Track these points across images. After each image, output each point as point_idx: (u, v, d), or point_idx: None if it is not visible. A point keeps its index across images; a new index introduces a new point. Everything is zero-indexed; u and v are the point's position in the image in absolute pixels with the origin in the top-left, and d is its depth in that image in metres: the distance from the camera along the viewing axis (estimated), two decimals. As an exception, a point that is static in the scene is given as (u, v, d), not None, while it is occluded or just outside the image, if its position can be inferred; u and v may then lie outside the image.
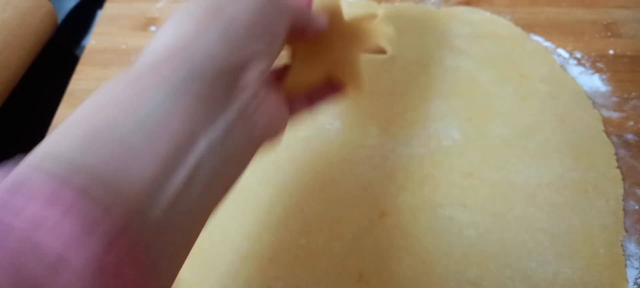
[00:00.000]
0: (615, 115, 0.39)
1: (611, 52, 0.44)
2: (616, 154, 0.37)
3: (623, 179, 0.35)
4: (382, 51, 0.44)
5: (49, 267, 0.14)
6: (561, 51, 0.44)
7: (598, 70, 0.43)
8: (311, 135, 0.38)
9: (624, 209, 0.34)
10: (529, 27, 0.46)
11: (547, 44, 0.45)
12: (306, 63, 0.27)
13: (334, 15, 0.28)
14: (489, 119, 0.39)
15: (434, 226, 0.33)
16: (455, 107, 0.40)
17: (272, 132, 0.23)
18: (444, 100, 0.40)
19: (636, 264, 0.32)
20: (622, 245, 0.32)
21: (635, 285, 0.31)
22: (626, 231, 0.33)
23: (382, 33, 0.39)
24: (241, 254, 0.32)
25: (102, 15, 0.48)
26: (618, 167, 0.36)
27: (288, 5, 0.23)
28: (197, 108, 0.18)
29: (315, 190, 0.35)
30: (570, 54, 0.44)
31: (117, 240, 0.15)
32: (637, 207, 0.34)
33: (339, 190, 0.35)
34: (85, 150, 0.16)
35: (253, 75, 0.20)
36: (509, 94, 0.41)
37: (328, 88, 0.28)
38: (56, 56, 0.51)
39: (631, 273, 0.31)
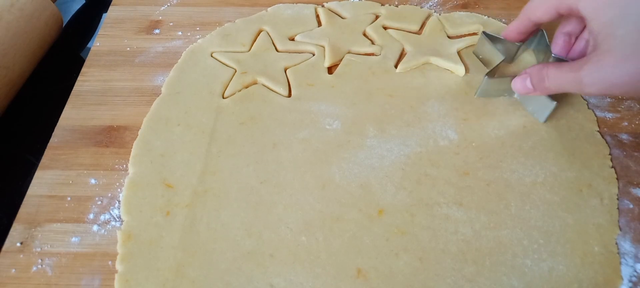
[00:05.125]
0: (609, 115, 0.40)
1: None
2: (610, 154, 0.38)
3: (617, 178, 0.36)
4: (374, 53, 0.45)
5: None
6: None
7: (593, 72, 0.43)
8: (311, 135, 0.39)
9: (618, 208, 0.35)
10: (525, 29, 0.47)
11: (543, 46, 0.46)
12: None
13: None
14: (485, 119, 0.39)
15: (430, 224, 0.34)
16: (452, 108, 0.40)
17: None
18: (441, 101, 0.41)
19: (631, 262, 0.32)
20: (616, 243, 0.33)
21: (630, 283, 0.31)
22: (620, 229, 0.34)
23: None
24: (243, 251, 0.33)
25: (107, 18, 0.49)
26: (612, 167, 0.37)
27: None
28: None
29: (315, 189, 0.36)
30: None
31: None
32: (631, 206, 0.35)
33: (338, 188, 0.36)
34: None
35: None
36: (504, 94, 0.41)
37: None
38: (62, 58, 0.52)
39: (626, 271, 0.32)
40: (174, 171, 0.37)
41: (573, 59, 0.37)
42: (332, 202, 0.35)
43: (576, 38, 0.37)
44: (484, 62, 0.42)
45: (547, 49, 0.39)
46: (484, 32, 0.42)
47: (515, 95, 0.40)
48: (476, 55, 0.43)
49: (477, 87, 0.40)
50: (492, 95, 0.39)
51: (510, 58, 0.42)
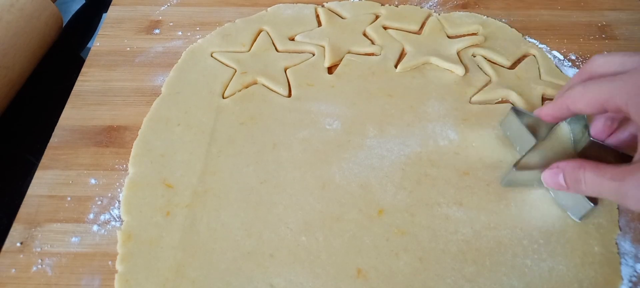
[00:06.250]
0: (609, 115, 0.40)
1: (606, 53, 0.45)
2: (611, 154, 0.38)
3: (617, 178, 0.36)
4: (374, 53, 0.45)
5: None
6: (556, 53, 0.45)
7: (593, 72, 0.43)
8: (311, 135, 0.39)
9: (618, 208, 0.35)
10: (525, 29, 0.47)
11: (542, 46, 0.46)
12: None
13: None
14: (485, 120, 0.40)
15: (430, 224, 0.34)
16: (452, 108, 0.40)
17: None
18: (441, 101, 0.41)
19: (631, 262, 0.32)
20: (616, 243, 0.33)
21: (630, 283, 0.31)
22: (620, 229, 0.34)
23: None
24: (243, 251, 0.33)
25: (107, 18, 0.49)
26: (612, 167, 0.37)
27: None
28: None
29: (315, 189, 0.36)
30: (565, 56, 0.45)
31: None
32: (631, 206, 0.35)
33: (338, 189, 0.36)
34: None
35: None
36: (505, 95, 0.41)
37: None
38: (62, 58, 0.52)
39: (626, 271, 0.32)
40: (174, 171, 0.37)
41: (613, 146, 0.33)
42: (332, 202, 0.35)
43: (619, 123, 0.33)
44: (512, 139, 0.37)
45: (585, 128, 0.35)
46: (512, 108, 0.36)
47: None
48: (503, 132, 0.38)
49: (503, 177, 0.35)
50: (520, 185, 0.35)
51: (543, 134, 0.36)
